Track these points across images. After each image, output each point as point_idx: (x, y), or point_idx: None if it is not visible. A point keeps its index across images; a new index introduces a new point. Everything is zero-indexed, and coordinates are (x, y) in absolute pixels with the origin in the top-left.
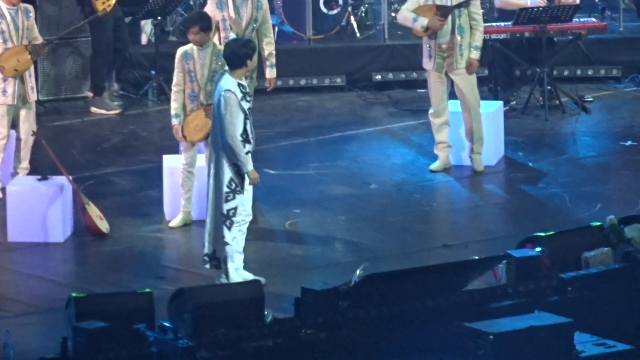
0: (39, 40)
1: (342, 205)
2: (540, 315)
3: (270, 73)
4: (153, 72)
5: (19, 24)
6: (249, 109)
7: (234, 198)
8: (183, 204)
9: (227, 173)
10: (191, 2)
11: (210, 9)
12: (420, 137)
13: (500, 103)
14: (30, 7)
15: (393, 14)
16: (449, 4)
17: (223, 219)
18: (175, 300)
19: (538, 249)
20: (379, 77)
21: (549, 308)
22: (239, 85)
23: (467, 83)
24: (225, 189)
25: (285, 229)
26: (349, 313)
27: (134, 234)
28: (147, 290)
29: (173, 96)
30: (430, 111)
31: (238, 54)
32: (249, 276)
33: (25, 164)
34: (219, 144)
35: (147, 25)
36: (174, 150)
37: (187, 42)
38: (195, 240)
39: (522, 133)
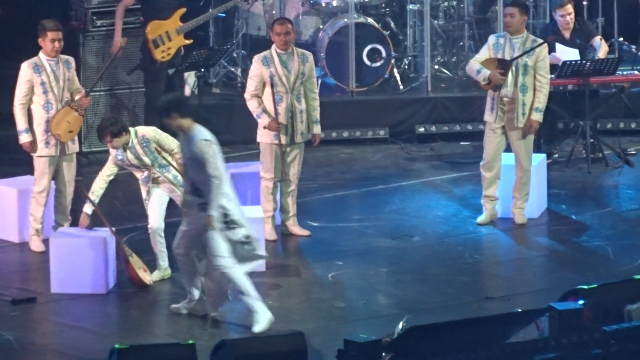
0: (81, 90)
1: (384, 258)
2: None
3: (316, 129)
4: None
5: (60, 75)
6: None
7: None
8: (158, 262)
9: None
10: (234, 55)
11: (256, 66)
12: (463, 189)
13: (543, 156)
14: (71, 59)
15: (436, 67)
16: (509, 58)
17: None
18: (218, 351)
19: (581, 302)
20: (422, 129)
21: None
22: None
23: (523, 142)
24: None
25: (329, 280)
26: None
27: (176, 285)
28: (190, 341)
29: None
30: (482, 163)
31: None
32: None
33: (66, 215)
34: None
35: (190, 77)
36: None
37: (231, 94)
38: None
39: (565, 186)
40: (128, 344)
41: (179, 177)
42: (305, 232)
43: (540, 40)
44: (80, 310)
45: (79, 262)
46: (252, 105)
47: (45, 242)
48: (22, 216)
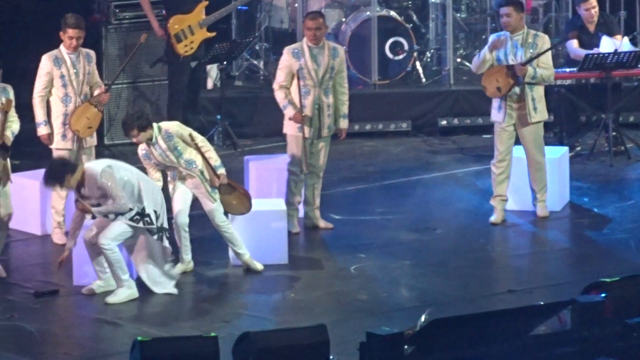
0: (100, 84)
1: (407, 250)
2: None
3: (343, 123)
4: (219, 116)
5: (80, 68)
6: None
7: None
8: (181, 255)
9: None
10: (257, 47)
11: (286, 58)
12: (485, 182)
13: (565, 149)
14: (92, 52)
15: (459, 60)
16: (518, 56)
17: None
18: (240, 344)
19: (603, 295)
20: (444, 122)
21: (614, 354)
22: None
23: (535, 137)
24: None
25: (351, 273)
26: (414, 358)
27: (199, 278)
28: (213, 334)
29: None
30: (494, 161)
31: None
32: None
33: None
34: None
35: (212, 70)
36: None
37: (253, 87)
38: (262, 285)
39: (587, 179)
40: (150, 336)
41: (206, 172)
42: (329, 225)
43: (545, 41)
44: (102, 302)
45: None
46: (279, 96)
47: (67, 234)
48: (44, 209)
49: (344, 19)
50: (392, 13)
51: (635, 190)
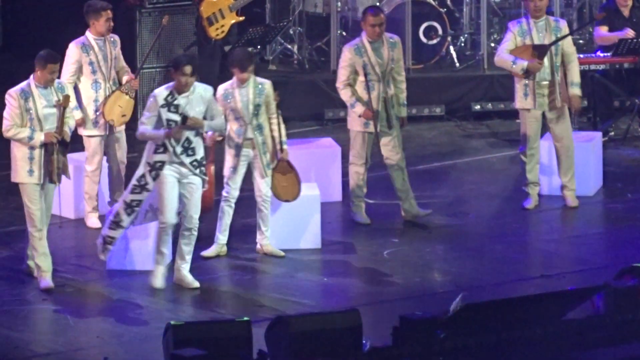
0: (127, 69)
1: (440, 235)
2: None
3: (402, 112)
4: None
5: (107, 54)
6: (171, 120)
7: (140, 192)
8: (217, 235)
9: (141, 169)
10: (290, 32)
11: (349, 56)
12: (519, 167)
13: (599, 134)
14: (116, 37)
15: (492, 44)
16: (545, 41)
17: (124, 206)
18: (273, 328)
19: (637, 280)
20: (477, 107)
21: None
22: (169, 93)
23: (564, 121)
24: (134, 182)
25: (384, 258)
26: (447, 342)
27: (232, 262)
28: (245, 318)
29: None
30: (525, 150)
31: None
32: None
33: (121, 192)
34: None
35: None
36: None
37: (287, 71)
38: (294, 270)
39: (620, 164)
40: (183, 320)
41: (268, 144)
42: (427, 212)
43: (566, 27)
44: (136, 287)
45: (134, 238)
46: (345, 94)
47: (101, 218)
48: (77, 193)
49: (378, 4)
50: None
51: None
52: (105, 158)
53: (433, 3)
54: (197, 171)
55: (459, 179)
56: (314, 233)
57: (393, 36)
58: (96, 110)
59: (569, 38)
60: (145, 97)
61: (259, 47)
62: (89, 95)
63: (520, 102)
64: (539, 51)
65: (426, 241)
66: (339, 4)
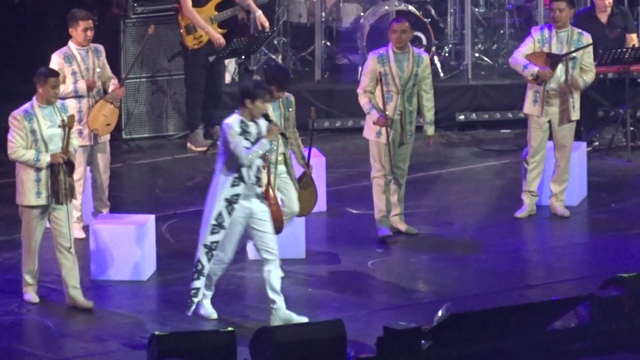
0: (113, 78)
1: (424, 245)
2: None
3: (429, 130)
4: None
5: (90, 64)
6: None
7: (218, 232)
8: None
9: (218, 207)
10: (275, 42)
11: (371, 63)
12: (503, 177)
13: (583, 144)
14: (100, 47)
15: (477, 54)
16: (562, 51)
17: (205, 250)
18: (257, 339)
19: (621, 290)
20: (462, 117)
21: (632, 349)
22: (242, 122)
23: (571, 134)
24: (213, 222)
25: (369, 268)
26: (431, 353)
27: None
28: (230, 328)
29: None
30: (528, 157)
31: (240, 93)
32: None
33: (104, 202)
34: (215, 176)
35: (230, 64)
36: None
37: None
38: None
39: (605, 174)
40: (167, 330)
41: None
42: (412, 230)
43: (589, 41)
44: (120, 297)
45: (119, 248)
46: (363, 100)
47: (85, 229)
48: None
49: (362, 14)
50: (411, 8)
51: None
52: (88, 168)
53: (417, 13)
54: (265, 203)
55: (443, 189)
56: (298, 243)
57: (422, 53)
58: (80, 121)
59: (590, 54)
60: (128, 107)
61: (243, 57)
62: (73, 105)
63: (529, 107)
64: (552, 60)
65: (411, 251)
66: (324, 14)
